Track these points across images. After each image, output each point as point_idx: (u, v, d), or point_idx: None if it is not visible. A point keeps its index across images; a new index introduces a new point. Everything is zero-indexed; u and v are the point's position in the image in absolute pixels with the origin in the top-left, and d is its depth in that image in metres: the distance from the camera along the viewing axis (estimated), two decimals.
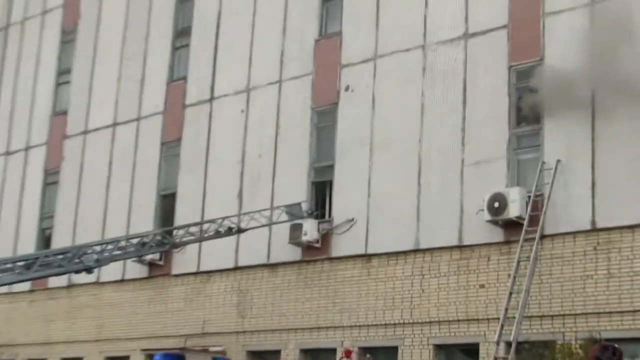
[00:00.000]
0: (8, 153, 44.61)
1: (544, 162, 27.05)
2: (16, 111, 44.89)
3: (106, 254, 30.70)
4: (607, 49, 25.82)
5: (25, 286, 38.10)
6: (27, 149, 43.82)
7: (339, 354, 17.01)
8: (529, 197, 26.83)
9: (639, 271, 24.73)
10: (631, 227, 25.09)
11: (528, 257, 26.00)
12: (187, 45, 38.54)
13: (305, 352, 30.65)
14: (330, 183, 32.30)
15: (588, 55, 26.30)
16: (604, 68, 25.89)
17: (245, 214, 32.24)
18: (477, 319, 27.49)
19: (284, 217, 31.65)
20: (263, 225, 31.81)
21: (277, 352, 31.23)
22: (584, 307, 25.45)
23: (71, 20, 43.66)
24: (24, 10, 46.14)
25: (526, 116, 28.00)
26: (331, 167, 32.39)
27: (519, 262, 26.12)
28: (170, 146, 37.78)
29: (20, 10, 46.35)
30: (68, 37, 43.78)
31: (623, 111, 25.52)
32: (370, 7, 32.28)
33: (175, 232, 32.93)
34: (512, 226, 27.05)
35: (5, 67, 46.26)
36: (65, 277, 35.29)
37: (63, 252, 30.99)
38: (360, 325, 29.87)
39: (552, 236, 26.48)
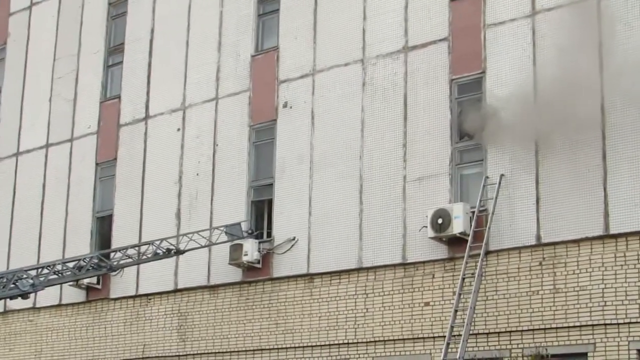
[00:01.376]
0: None
1: (487, 177, 27.19)
2: None
3: (42, 278, 30.39)
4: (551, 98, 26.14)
5: None
6: None
7: None
8: (473, 212, 26.90)
9: (585, 286, 24.87)
10: (576, 242, 25.23)
11: (473, 273, 26.08)
12: (120, 63, 38.30)
13: None
14: (270, 202, 32.23)
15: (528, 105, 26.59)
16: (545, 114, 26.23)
17: (183, 235, 32.04)
18: (423, 338, 27.50)
19: (224, 237, 31.49)
20: (202, 247, 31.61)
21: None
22: (530, 323, 25.52)
23: (1, 38, 43.36)
24: None
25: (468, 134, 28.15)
26: (271, 186, 32.34)
27: (463, 278, 26.17)
28: (105, 167, 37.55)
29: None
30: None
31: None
32: (307, 21, 32.31)
33: (112, 254, 32.60)
34: (456, 242, 27.11)
35: None
36: (0, 302, 34.86)
37: None
38: (304, 346, 29.85)
39: (497, 252, 26.59)
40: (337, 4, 31.50)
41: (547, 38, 26.80)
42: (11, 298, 30.75)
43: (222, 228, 31.66)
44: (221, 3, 34.74)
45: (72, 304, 37.08)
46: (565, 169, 25.64)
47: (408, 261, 28.36)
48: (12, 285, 29.46)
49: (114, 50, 38.78)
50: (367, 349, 28.72)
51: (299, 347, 29.87)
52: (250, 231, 31.94)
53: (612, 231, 24.59)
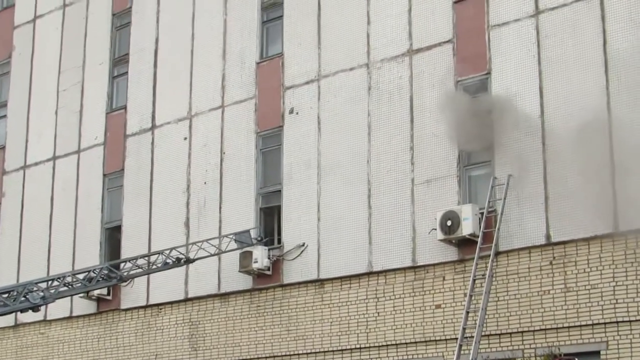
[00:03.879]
0: None
1: (495, 178, 27.11)
2: None
3: (52, 290, 30.42)
4: None
5: None
6: None
7: None
8: (482, 213, 26.89)
9: (596, 284, 24.87)
10: (586, 240, 25.20)
11: (483, 274, 26.02)
12: (125, 74, 38.36)
13: None
14: (279, 208, 32.22)
15: None
16: None
17: (193, 243, 32.08)
18: (435, 340, 27.50)
19: (233, 245, 31.55)
20: (212, 255, 31.65)
21: None
22: (542, 323, 25.50)
23: (4, 53, 43.43)
24: None
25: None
26: (279, 192, 32.35)
27: (474, 280, 26.14)
28: (113, 178, 37.58)
29: None
30: (2, 69, 43.52)
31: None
32: (311, 26, 32.36)
33: (122, 265, 32.65)
34: (465, 244, 27.14)
35: None
36: (11, 316, 34.87)
37: (7, 290, 30.73)
38: (316, 352, 29.88)
39: (507, 252, 26.57)
40: (340, 9, 31.55)
41: (550, 37, 26.86)
42: (22, 311, 30.82)
43: (231, 236, 31.69)
44: (225, 11, 34.81)
45: (83, 316, 37.13)
46: (574, 167, 25.68)
47: (418, 264, 28.35)
48: (23, 299, 29.50)
49: (119, 61, 38.84)
50: (379, 353, 28.74)
51: (311, 353, 29.89)
52: (259, 238, 31.95)
53: (622, 228, 24.65)
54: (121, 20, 38.89)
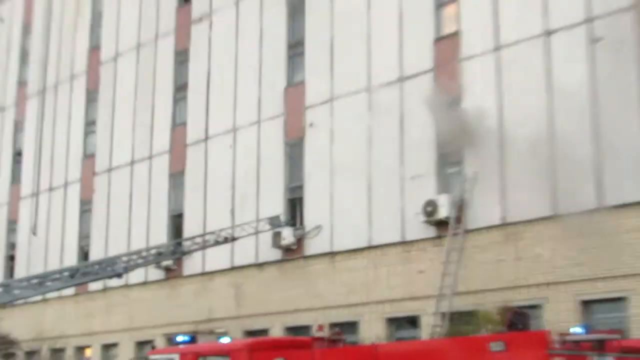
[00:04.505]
0: (51, 189, 44.59)
1: (464, 175, 27.32)
2: (55, 156, 44.79)
3: (132, 262, 30.90)
4: None
5: (71, 291, 38.31)
6: (66, 185, 43.83)
7: (314, 329, 17.26)
8: (454, 202, 27.07)
9: (540, 254, 25.09)
10: (532, 221, 25.41)
11: (455, 247, 26.28)
12: (185, 98, 38.47)
13: (288, 329, 30.73)
14: (301, 199, 32.41)
15: None
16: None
17: (237, 226, 32.33)
18: (419, 297, 27.59)
19: (267, 227, 31.77)
20: (251, 234, 31.83)
21: (266, 331, 31.37)
22: (499, 283, 25.63)
23: (93, 83, 43.67)
24: (56, 77, 46.05)
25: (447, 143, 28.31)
26: (301, 187, 32.54)
27: (448, 252, 26.35)
28: (177, 177, 37.85)
29: (53, 77, 46.25)
30: (92, 96, 43.76)
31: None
32: (325, 60, 32.43)
33: (184, 243, 33.12)
34: (442, 225, 27.23)
35: (44, 122, 46.15)
36: (101, 282, 35.31)
37: (98, 263, 31.24)
38: (329, 307, 30.00)
39: (473, 230, 26.62)
40: (347, 46, 31.61)
41: (507, 68, 27.08)
42: (109, 278, 31.35)
43: (265, 220, 31.92)
44: (260, 49, 34.93)
45: (155, 281, 37.53)
46: (524, 166, 25.86)
47: (406, 240, 28.57)
48: (110, 269, 30.00)
49: (180, 88, 38.83)
50: (377, 308, 28.91)
51: (325, 307, 29.99)
52: (286, 222, 32.16)
53: (558, 212, 24.79)
54: (181, 57, 38.99)
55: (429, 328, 26.00)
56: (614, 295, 23.70)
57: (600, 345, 11.95)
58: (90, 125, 43.56)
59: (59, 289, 31.91)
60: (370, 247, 29.66)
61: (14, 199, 47.25)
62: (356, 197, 30.25)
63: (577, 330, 12.87)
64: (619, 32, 24.61)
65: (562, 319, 23.50)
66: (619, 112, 24.20)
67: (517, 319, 13.74)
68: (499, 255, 26.17)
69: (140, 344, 36.92)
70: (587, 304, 24.21)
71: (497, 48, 27.44)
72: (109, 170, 41.58)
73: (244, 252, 33.31)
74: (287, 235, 31.68)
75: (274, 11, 35.05)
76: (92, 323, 40.20)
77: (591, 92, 24.94)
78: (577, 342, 12.11)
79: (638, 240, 23.19)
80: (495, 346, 11.71)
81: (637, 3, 24.41)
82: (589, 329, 12.59)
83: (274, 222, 31.91)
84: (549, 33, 26.28)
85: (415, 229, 28.34)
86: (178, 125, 38.57)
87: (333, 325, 21.07)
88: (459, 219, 26.89)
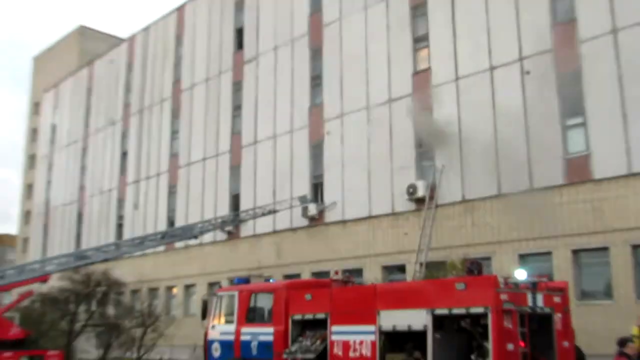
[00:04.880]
0: (147, 177, 44.64)
1: (435, 166, 27.29)
2: (150, 155, 44.89)
3: (204, 228, 30.92)
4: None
5: (162, 248, 38.28)
6: (158, 174, 43.77)
7: (332, 274, 17.39)
8: (428, 185, 27.07)
9: (489, 222, 25.21)
10: (483, 198, 25.52)
11: (429, 217, 26.20)
12: (240, 114, 38.31)
13: (313, 273, 30.65)
14: (322, 184, 32.27)
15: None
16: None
17: (277, 202, 32.36)
18: (405, 252, 27.50)
19: (298, 203, 31.88)
20: (287, 208, 31.91)
21: (298, 275, 31.28)
22: (460, 242, 25.63)
23: (176, 105, 43.61)
24: (150, 100, 46.01)
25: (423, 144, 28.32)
26: (322, 175, 32.42)
27: (424, 220, 26.31)
28: (234, 169, 37.64)
29: (148, 101, 46.18)
30: (175, 113, 43.52)
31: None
32: (337, 85, 32.29)
33: (240, 214, 33.18)
34: (420, 201, 27.21)
35: (142, 132, 46.31)
36: (183, 241, 35.09)
37: (181, 228, 31.43)
38: (342, 258, 29.91)
39: (442, 205, 26.56)
40: (351, 78, 31.52)
41: (465, 94, 27.06)
42: (189, 239, 31.44)
43: (296, 198, 32.04)
44: (292, 80, 34.87)
45: (220, 241, 37.48)
46: (477, 162, 25.86)
47: (395, 211, 28.61)
48: (189, 233, 30.11)
49: (236, 108, 38.57)
50: (375, 259, 28.97)
51: (339, 259, 29.88)
52: (311, 199, 32.18)
53: (504, 190, 24.88)
54: (237, 86, 38.67)
55: (412, 273, 26.06)
56: (542, 251, 23.83)
57: (533, 286, 11.96)
58: (174, 133, 43.47)
59: (154, 247, 32.00)
60: (370, 217, 29.63)
61: (122, 185, 47.41)
62: (359, 182, 30.19)
63: (517, 274, 12.86)
64: (542, 67, 24.71)
65: (505, 268, 23.52)
66: (543, 123, 24.21)
67: (474, 267, 13.70)
68: (460, 222, 26.18)
69: (211, 284, 36.91)
70: (522, 256, 24.28)
71: (457, 79, 27.47)
72: (188, 164, 41.46)
73: (282, 220, 33.22)
74: (312, 209, 31.78)
75: (301, 55, 34.87)
76: (177, 270, 40.28)
77: (523, 109, 24.98)
78: (516, 284, 12.10)
79: (558, 212, 23.19)
80: (459, 286, 11.73)
81: (555, 46, 24.42)
82: (525, 274, 12.60)
83: (303, 199, 32.02)
84: (492, 68, 26.30)
85: (401, 204, 28.30)
86: (235, 133, 38.32)
87: (345, 271, 21.00)
88: (431, 197, 26.81)
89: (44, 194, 59.13)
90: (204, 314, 17.68)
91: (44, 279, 26.88)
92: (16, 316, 30.74)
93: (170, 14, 46.72)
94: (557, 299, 12.58)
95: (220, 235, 37.22)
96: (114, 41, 65.56)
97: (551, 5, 25.03)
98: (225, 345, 16.48)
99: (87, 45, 71.69)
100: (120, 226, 46.90)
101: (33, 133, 71.25)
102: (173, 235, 30.79)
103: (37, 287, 28.32)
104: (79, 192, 52.87)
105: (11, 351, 24.07)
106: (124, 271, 39.05)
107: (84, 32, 74.12)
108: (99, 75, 53.66)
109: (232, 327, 16.41)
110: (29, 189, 68.88)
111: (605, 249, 22.22)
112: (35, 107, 72.39)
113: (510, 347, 10.95)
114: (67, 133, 56.78)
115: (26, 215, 68.64)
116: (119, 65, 51.24)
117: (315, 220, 32.05)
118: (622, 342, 12.19)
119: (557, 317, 12.47)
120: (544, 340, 12.27)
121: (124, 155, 48.23)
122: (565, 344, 12.53)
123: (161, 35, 47.05)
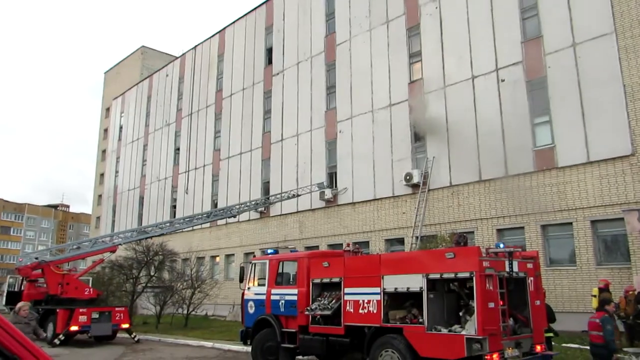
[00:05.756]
0: (195, 168, 44.61)
1: (427, 158, 27.01)
2: (198, 150, 44.86)
3: (241, 208, 30.92)
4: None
5: (207, 225, 38.51)
6: (204, 166, 43.59)
7: (344, 246, 17.29)
8: (422, 173, 26.81)
9: (472, 202, 24.90)
10: (467, 184, 25.20)
11: (422, 199, 26.09)
12: (270, 117, 37.93)
13: (329, 245, 30.39)
14: (336, 173, 31.89)
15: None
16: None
17: (299, 188, 32.19)
18: (403, 227, 27.46)
19: (316, 188, 31.61)
20: (307, 192, 31.75)
21: (317, 247, 31.11)
22: (449, 219, 25.52)
23: (219, 109, 43.46)
24: (198, 106, 45.89)
25: (418, 137, 28.00)
26: (335, 166, 32.03)
27: (419, 201, 26.20)
28: (265, 161, 37.44)
29: (196, 106, 46.08)
30: (218, 116, 43.45)
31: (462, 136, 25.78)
32: (347, 93, 31.98)
33: (270, 197, 33.01)
34: (415, 187, 27.06)
35: (191, 131, 46.23)
36: (224, 219, 35.31)
37: (222, 209, 31.30)
38: (352, 233, 29.84)
39: (433, 190, 26.39)
40: (360, 84, 31.17)
41: (452, 99, 26.69)
42: (229, 217, 31.43)
43: (315, 184, 31.80)
44: (311, 91, 34.60)
45: (254, 219, 37.21)
46: (463, 154, 25.55)
47: (395, 195, 28.26)
48: (229, 212, 30.03)
49: (267, 112, 38.28)
50: (379, 233, 28.73)
51: (350, 233, 29.80)
52: (327, 185, 31.89)
53: (484, 177, 24.58)
54: (267, 94, 38.46)
55: (410, 245, 25.93)
56: (516, 226, 23.59)
57: (509, 255, 11.67)
58: (217, 133, 43.32)
59: (201, 224, 32.14)
60: (374, 199, 29.37)
61: (175, 174, 47.42)
62: (366, 171, 29.92)
63: (496, 245, 12.60)
64: (515, 76, 24.51)
65: (486, 240, 23.35)
66: (516, 121, 23.99)
67: (461, 240, 13.47)
68: (448, 203, 25.89)
69: (246, 254, 36.89)
70: (500, 231, 24.02)
71: (445, 86, 27.10)
72: (228, 157, 41.30)
73: (304, 202, 33.09)
74: (328, 193, 31.45)
75: (318, 69, 34.59)
76: (219, 243, 40.30)
77: (499, 110, 24.73)
78: (496, 253, 11.82)
79: (529, 194, 23.00)
80: (449, 255, 11.48)
81: (525, 58, 24.02)
82: (502, 245, 12.32)
83: (320, 186, 31.77)
84: (474, 77, 25.96)
85: (400, 189, 28.06)
86: (266, 132, 38.12)
87: (355, 243, 20.89)
88: (424, 183, 26.65)
89: (113, 181, 59.46)
90: (241, 278, 17.53)
91: (112, 249, 27.06)
92: (90, 280, 31.03)
93: (214, 36, 46.59)
94: (529, 266, 12.34)
95: (254, 215, 37.09)
96: (169, 58, 65.86)
97: (521, 24, 24.79)
98: (258, 303, 16.41)
99: (148, 61, 72.12)
100: (174, 207, 46.96)
101: (104, 132, 71.73)
102: (216, 214, 30.71)
103: (107, 256, 28.44)
104: (140, 179, 53.00)
105: (85, 307, 24.25)
106: (177, 243, 39.15)
107: (145, 51, 74.40)
108: (157, 85, 53.68)
109: (264, 289, 16.30)
110: (100, 177, 69.39)
111: (569, 224, 22.00)
112: (106, 112, 72.96)
113: (491, 305, 10.73)
114: (131, 132, 56.95)
115: (98, 198, 69.13)
116: (172, 78, 51.27)
117: (330, 202, 31.74)
118: (604, 302, 12.10)
119: (530, 280, 12.25)
120: (520, 299, 12.07)
121: (177, 150, 48.22)
122: (537, 302, 12.33)
123: (206, 54, 46.88)
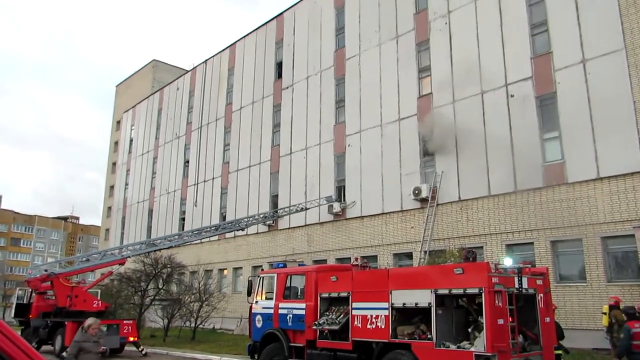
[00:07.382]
0: (204, 181, 44.74)
1: (436, 172, 26.93)
2: (207, 163, 44.85)
3: (249, 221, 30.88)
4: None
5: (216, 237, 38.45)
6: (213, 179, 43.71)
7: (352, 260, 17.14)
8: (430, 188, 26.73)
9: (481, 218, 24.78)
10: (476, 198, 25.08)
11: (431, 213, 25.99)
12: (279, 130, 37.93)
13: (337, 259, 30.29)
14: (344, 187, 31.86)
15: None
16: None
17: (308, 201, 32.16)
18: (411, 242, 27.32)
19: (325, 202, 31.58)
20: (316, 206, 31.72)
21: (325, 260, 30.95)
22: (457, 234, 25.38)
23: (228, 123, 43.62)
24: (207, 119, 46.03)
25: (427, 151, 27.95)
26: (344, 179, 31.97)
27: (427, 216, 26.11)
28: (274, 174, 37.37)
29: (206, 119, 46.22)
30: (227, 130, 43.52)
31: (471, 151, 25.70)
32: (356, 107, 32.02)
33: (278, 210, 32.99)
34: (424, 201, 26.95)
35: (200, 144, 46.29)
36: (232, 232, 35.31)
37: (231, 222, 31.21)
38: (360, 247, 29.72)
39: (441, 204, 26.29)
40: (368, 101, 31.23)
41: (462, 113, 26.65)
42: (237, 230, 31.44)
43: (324, 197, 31.75)
44: (320, 104, 34.66)
45: (262, 232, 37.13)
46: (470, 167, 25.49)
47: (404, 209, 28.15)
48: (237, 225, 29.97)
49: (276, 125, 38.34)
50: (388, 247, 28.59)
51: (358, 247, 29.72)
52: (335, 199, 31.80)
53: (493, 192, 24.49)
54: (277, 108, 38.50)
55: (418, 259, 25.81)
56: (525, 242, 23.42)
57: (519, 271, 11.57)
58: (226, 146, 43.41)
59: (209, 237, 32.07)
60: (383, 213, 29.28)
61: (184, 186, 47.49)
62: (374, 185, 29.88)
63: (505, 262, 12.51)
64: (524, 91, 24.46)
65: (495, 255, 23.21)
66: (525, 137, 23.90)
67: (470, 255, 13.36)
68: (457, 218, 25.79)
69: (254, 267, 36.77)
70: (509, 246, 23.85)
71: (454, 101, 27.08)
72: (237, 170, 41.32)
73: (312, 215, 33.08)
74: (336, 207, 31.37)
75: (327, 83, 34.67)
76: (227, 256, 40.23)
77: (509, 125, 24.65)
78: (505, 269, 11.73)
79: (538, 209, 22.89)
80: (457, 270, 11.38)
81: (535, 74, 23.96)
82: (512, 261, 12.23)
83: (328, 199, 31.75)
84: (483, 92, 25.92)
85: (408, 203, 27.98)
86: (275, 145, 38.13)
87: (363, 257, 20.84)
88: (433, 197, 26.56)
89: (122, 193, 59.59)
90: (249, 291, 17.48)
91: (121, 262, 27.02)
92: (98, 292, 31.01)
93: (224, 50, 46.81)
94: (539, 282, 12.22)
95: (262, 228, 37.03)
96: (180, 72, 66.18)
97: (531, 40, 24.76)
98: (266, 317, 16.34)
99: (158, 75, 72.50)
100: (182, 220, 47.00)
101: (115, 145, 72.01)
102: (224, 227, 30.69)
103: (116, 268, 28.42)
104: (150, 192, 53.12)
105: None
106: (185, 256, 39.15)
107: (155, 65, 74.81)
108: (167, 99, 53.94)
109: (271, 303, 16.24)
110: (110, 189, 69.50)
111: (578, 240, 21.80)
112: (117, 124, 73.27)
113: (500, 321, 10.62)
114: (141, 145, 57.16)
115: (108, 211, 69.25)
116: (183, 91, 51.51)
117: (339, 216, 31.66)
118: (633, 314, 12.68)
119: (540, 297, 12.12)
120: (529, 316, 11.95)
121: (186, 163, 48.33)
122: (547, 319, 12.19)
123: (217, 67, 47.10)
